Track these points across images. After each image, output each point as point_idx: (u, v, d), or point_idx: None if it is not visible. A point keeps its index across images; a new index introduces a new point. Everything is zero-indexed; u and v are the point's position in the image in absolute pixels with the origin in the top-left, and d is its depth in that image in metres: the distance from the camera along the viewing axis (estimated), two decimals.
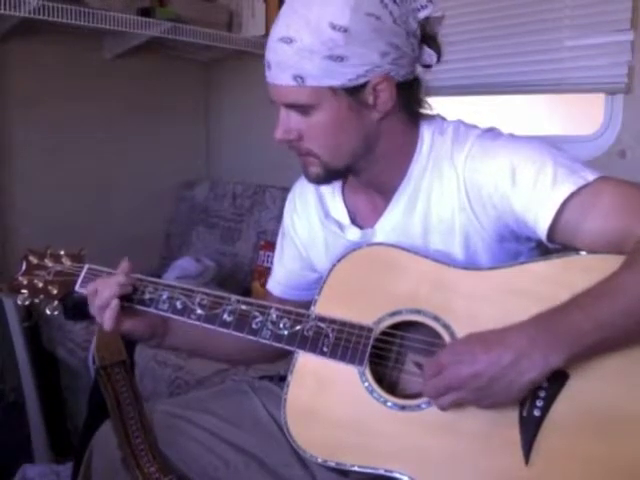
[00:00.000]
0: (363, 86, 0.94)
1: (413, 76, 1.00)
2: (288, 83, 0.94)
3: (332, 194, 1.12)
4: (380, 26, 0.92)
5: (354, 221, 1.10)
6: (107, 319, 1.01)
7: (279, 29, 0.94)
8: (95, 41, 2.49)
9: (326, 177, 1.03)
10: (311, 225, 1.16)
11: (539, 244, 1.00)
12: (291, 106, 0.97)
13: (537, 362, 0.80)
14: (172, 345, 1.15)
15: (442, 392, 0.85)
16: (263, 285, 2.14)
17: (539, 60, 1.85)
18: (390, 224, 1.05)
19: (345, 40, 0.91)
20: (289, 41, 0.92)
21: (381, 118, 0.98)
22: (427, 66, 1.02)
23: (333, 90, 0.94)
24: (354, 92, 0.94)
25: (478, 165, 0.97)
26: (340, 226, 1.10)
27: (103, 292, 1.02)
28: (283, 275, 1.22)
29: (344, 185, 1.11)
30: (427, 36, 1.00)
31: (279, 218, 2.26)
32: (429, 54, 1.01)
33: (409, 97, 1.01)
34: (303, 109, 0.96)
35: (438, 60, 1.02)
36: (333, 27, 0.90)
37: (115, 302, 1.01)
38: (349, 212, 1.10)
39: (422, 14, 0.97)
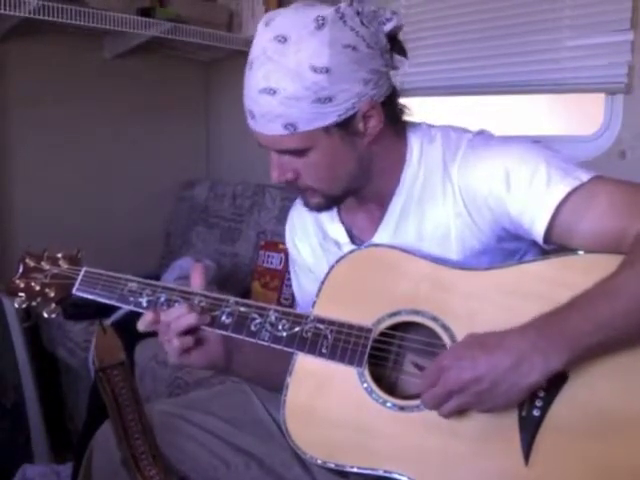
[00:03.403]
0: (352, 117, 0.94)
1: (391, 89, 1.00)
2: (279, 132, 0.93)
3: (329, 214, 1.12)
4: (357, 56, 0.92)
5: (352, 237, 1.10)
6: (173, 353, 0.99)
7: (257, 79, 0.92)
8: (95, 41, 2.49)
9: (327, 205, 1.04)
10: (313, 248, 1.16)
11: None
12: (284, 151, 0.97)
13: (537, 365, 0.80)
14: (236, 375, 1.14)
15: (443, 398, 0.84)
16: (263, 285, 2.14)
17: (539, 60, 1.84)
18: (386, 237, 1.05)
19: (329, 80, 0.90)
20: (272, 92, 0.91)
21: (371, 141, 0.98)
22: (395, 68, 1.02)
23: (325, 129, 0.94)
24: (345, 125, 0.94)
25: (472, 170, 0.97)
26: (338, 245, 1.11)
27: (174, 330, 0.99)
28: (307, 301, 1.21)
29: None
30: (393, 43, 0.99)
31: (279, 218, 2.29)
32: (398, 60, 1.01)
33: (392, 110, 1.01)
34: (297, 152, 0.96)
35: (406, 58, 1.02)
36: (314, 70, 0.90)
37: (188, 337, 0.99)
38: (346, 228, 1.11)
39: (388, 27, 0.96)
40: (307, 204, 1.05)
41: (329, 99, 0.91)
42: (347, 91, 0.92)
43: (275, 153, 0.98)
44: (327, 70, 0.90)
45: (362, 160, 1.00)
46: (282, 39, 0.91)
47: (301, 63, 0.89)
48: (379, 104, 0.96)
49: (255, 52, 0.94)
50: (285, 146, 0.95)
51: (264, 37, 0.93)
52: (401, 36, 1.01)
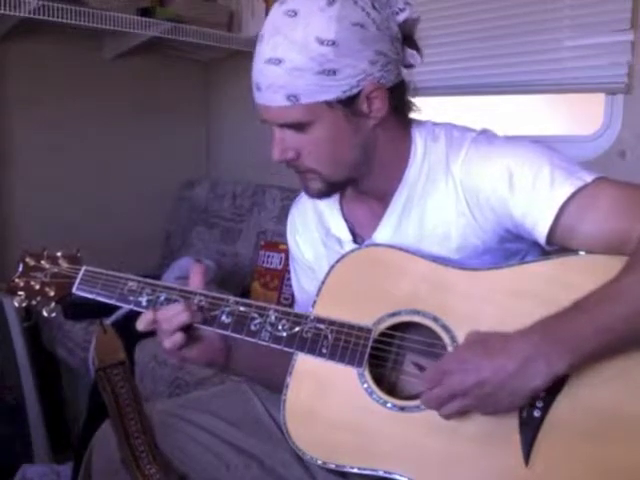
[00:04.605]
0: (357, 96, 0.94)
1: (400, 79, 1.00)
2: (282, 104, 0.93)
3: (330, 210, 1.12)
4: (366, 35, 0.92)
5: (354, 233, 1.09)
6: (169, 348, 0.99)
7: (265, 51, 0.93)
8: (95, 41, 2.50)
9: (328, 191, 1.03)
10: (314, 245, 1.16)
11: None
12: (286, 125, 0.96)
13: (541, 370, 0.80)
14: (235, 373, 1.14)
15: (445, 400, 0.84)
16: (263, 285, 2.14)
17: (539, 60, 1.84)
18: (387, 233, 1.05)
19: (334, 53, 0.90)
20: (277, 62, 0.91)
21: (376, 125, 0.98)
22: (410, 66, 1.02)
23: (328, 104, 0.93)
24: (349, 103, 0.94)
25: (475, 169, 0.97)
26: (340, 243, 1.10)
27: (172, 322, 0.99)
28: (307, 299, 1.20)
29: (341, 198, 1.11)
30: (407, 37, 1.00)
31: (279, 218, 2.29)
32: (411, 55, 1.00)
33: (399, 100, 1.01)
34: (299, 126, 0.95)
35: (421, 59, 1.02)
36: (321, 42, 0.90)
37: (180, 335, 0.99)
38: (348, 225, 1.10)
39: (401, 17, 0.97)
40: (307, 189, 1.04)
41: (333, 72, 0.91)
42: (352, 67, 0.92)
43: (277, 129, 0.97)
44: (333, 43, 0.90)
45: (365, 144, 0.99)
46: (292, 13, 0.91)
47: (308, 35, 0.90)
48: (385, 89, 0.96)
49: (266, 26, 0.95)
50: (287, 119, 0.95)
51: (276, 13, 0.94)
52: (417, 35, 1.01)
